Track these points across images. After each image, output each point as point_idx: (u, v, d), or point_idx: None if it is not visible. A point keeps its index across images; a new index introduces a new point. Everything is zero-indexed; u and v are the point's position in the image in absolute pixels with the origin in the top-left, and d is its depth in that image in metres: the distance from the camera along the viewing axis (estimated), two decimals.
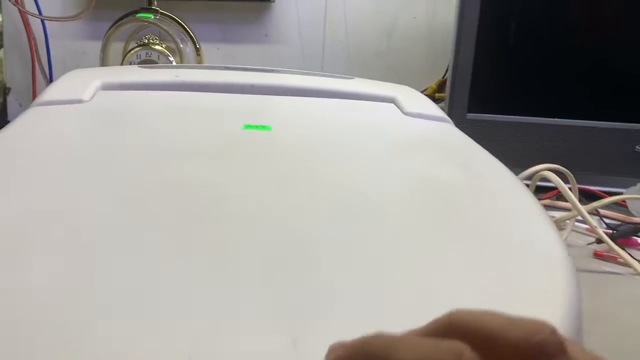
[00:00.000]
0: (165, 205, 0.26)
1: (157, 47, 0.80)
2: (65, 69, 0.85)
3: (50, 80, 0.88)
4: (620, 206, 0.59)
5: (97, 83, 0.45)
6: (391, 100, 0.51)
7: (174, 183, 0.29)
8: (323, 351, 0.16)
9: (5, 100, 0.88)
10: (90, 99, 0.43)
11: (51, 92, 0.44)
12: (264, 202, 0.28)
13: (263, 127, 0.40)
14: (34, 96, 0.87)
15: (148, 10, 0.81)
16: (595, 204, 0.53)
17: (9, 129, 0.37)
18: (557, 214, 0.58)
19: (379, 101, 0.51)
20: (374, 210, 0.29)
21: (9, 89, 0.88)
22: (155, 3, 0.82)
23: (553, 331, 0.15)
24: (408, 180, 0.35)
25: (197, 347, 0.17)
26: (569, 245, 0.52)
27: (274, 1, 0.88)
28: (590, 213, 0.52)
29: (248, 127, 0.40)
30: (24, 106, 0.87)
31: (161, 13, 0.81)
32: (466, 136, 0.45)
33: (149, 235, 0.23)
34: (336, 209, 0.29)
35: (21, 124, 0.38)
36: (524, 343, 0.15)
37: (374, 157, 0.38)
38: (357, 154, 0.39)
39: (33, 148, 0.34)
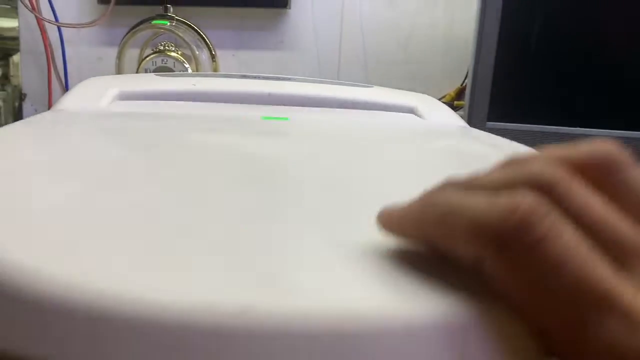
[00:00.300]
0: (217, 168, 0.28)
1: (173, 54, 0.79)
2: (81, 75, 0.85)
3: (65, 86, 0.88)
4: None
5: (114, 92, 0.45)
6: (410, 110, 0.50)
7: (214, 152, 0.30)
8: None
9: (21, 106, 0.88)
10: (107, 107, 0.43)
11: (67, 101, 0.43)
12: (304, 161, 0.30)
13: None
14: (50, 102, 0.87)
15: (164, 17, 0.81)
16: None
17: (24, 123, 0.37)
18: None
19: (398, 111, 0.50)
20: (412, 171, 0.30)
21: (25, 95, 0.88)
22: (171, 10, 0.82)
23: (617, 149, 0.16)
24: (443, 152, 0.36)
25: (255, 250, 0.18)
26: None
27: (289, 8, 0.87)
28: None
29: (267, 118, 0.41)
30: (39, 112, 0.87)
31: (177, 20, 0.81)
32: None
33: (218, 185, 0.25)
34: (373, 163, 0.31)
35: (38, 120, 0.38)
36: (590, 160, 0.15)
37: (404, 140, 0.40)
38: (386, 139, 0.40)
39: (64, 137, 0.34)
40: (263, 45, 0.89)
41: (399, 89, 0.60)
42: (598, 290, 0.13)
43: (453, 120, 0.50)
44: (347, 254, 0.17)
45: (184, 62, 0.79)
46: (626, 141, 0.64)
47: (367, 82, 0.62)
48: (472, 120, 0.63)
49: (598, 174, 0.15)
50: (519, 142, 0.65)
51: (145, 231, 0.18)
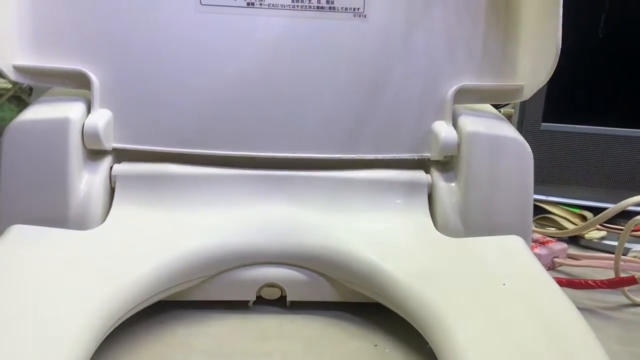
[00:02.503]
0: None
1: None
2: None
3: None
4: None
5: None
6: None
7: None
8: None
9: (28, 101, 0.83)
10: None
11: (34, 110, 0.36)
12: None
13: None
14: None
15: None
16: None
17: None
18: None
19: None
20: None
21: (31, 89, 0.83)
22: None
23: None
24: None
25: None
26: None
27: None
28: None
29: None
30: None
31: None
32: None
33: None
34: None
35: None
36: None
37: None
38: None
39: None
40: None
41: None
42: None
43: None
44: None
45: None
46: None
47: None
48: (525, 122, 0.54)
49: None
50: (579, 146, 0.56)
51: None
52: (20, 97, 1.35)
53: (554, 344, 0.25)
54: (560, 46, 0.35)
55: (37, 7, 0.35)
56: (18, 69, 0.35)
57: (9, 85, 1.33)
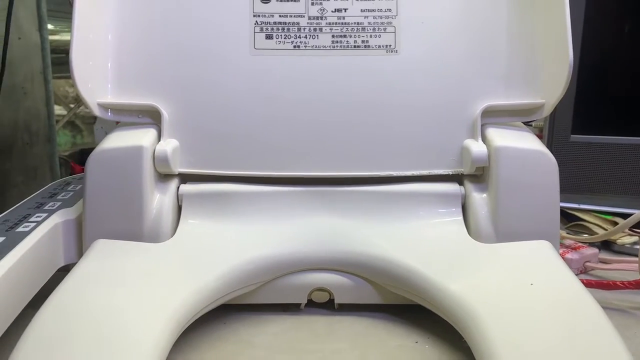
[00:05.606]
0: None
1: None
2: None
3: None
4: None
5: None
6: None
7: None
8: None
9: (81, 127, 0.89)
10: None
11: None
12: None
13: None
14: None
15: None
16: None
17: None
18: None
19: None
20: None
21: (95, 117, 0.89)
22: None
23: None
24: None
25: None
26: None
27: None
28: None
29: None
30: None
31: None
32: None
33: None
34: None
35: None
36: None
37: None
38: None
39: None
40: None
41: None
42: None
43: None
44: None
45: None
46: None
47: None
48: (554, 133, 0.57)
49: None
50: (609, 157, 0.58)
51: None
52: (74, 123, 1.43)
53: (576, 342, 0.28)
54: (572, 61, 0.38)
55: (118, 55, 0.42)
56: (101, 105, 0.41)
57: (64, 112, 1.42)
